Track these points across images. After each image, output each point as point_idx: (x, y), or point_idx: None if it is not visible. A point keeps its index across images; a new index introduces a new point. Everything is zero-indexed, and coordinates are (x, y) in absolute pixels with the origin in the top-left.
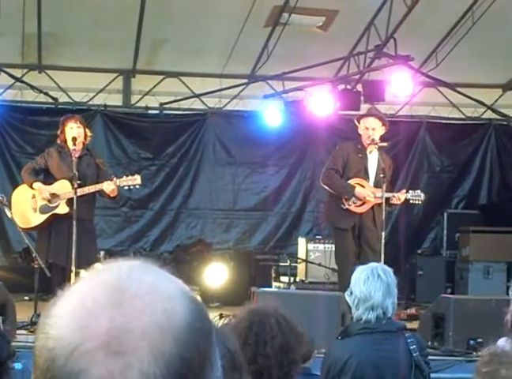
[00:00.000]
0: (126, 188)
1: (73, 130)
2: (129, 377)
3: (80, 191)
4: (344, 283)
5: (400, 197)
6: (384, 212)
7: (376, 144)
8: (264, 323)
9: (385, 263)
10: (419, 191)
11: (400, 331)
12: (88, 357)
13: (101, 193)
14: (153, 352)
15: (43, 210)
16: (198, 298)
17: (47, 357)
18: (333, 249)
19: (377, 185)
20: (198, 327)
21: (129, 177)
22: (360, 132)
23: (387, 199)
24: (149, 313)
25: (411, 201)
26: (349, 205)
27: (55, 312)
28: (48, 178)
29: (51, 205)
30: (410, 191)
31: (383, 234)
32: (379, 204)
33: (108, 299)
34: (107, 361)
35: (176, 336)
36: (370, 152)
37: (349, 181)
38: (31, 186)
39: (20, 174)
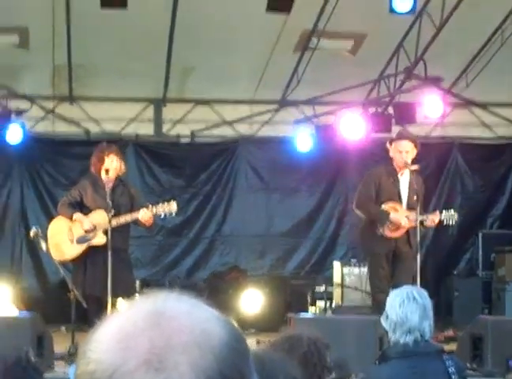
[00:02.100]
0: (161, 217)
1: (113, 163)
2: None
3: (116, 221)
4: (377, 308)
5: (434, 218)
6: (419, 234)
7: (409, 167)
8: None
9: (420, 285)
10: (452, 211)
11: (439, 353)
12: (129, 377)
13: (136, 222)
14: (194, 368)
15: (79, 241)
16: (234, 323)
17: None
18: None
19: (410, 207)
20: (236, 347)
21: (165, 203)
22: (392, 155)
23: (421, 221)
24: (188, 333)
25: (445, 222)
26: (385, 231)
27: (96, 338)
28: (83, 210)
29: (88, 236)
30: (444, 211)
31: (418, 256)
32: (414, 227)
33: (147, 322)
34: (147, 377)
35: (216, 355)
36: (402, 175)
37: (383, 206)
38: (70, 218)
39: (54, 206)
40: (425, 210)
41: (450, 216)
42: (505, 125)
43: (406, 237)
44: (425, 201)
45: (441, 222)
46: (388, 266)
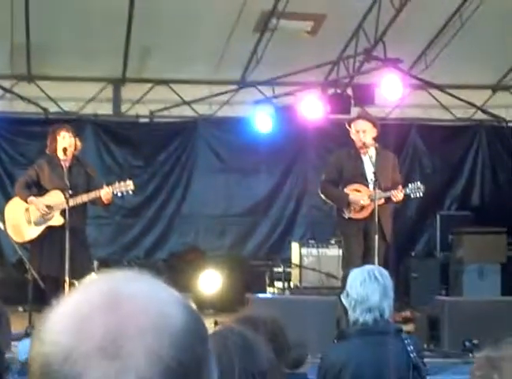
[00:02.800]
0: (119, 195)
1: (66, 140)
2: None
3: (74, 201)
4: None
5: (397, 194)
6: (377, 214)
7: (367, 147)
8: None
9: (378, 265)
10: (418, 183)
11: (397, 332)
12: (83, 360)
13: (94, 201)
14: (150, 355)
15: (37, 222)
16: (193, 305)
17: (42, 362)
18: (327, 253)
19: (376, 186)
20: (195, 331)
21: (122, 183)
22: (352, 136)
23: (388, 198)
24: (145, 315)
25: (412, 196)
26: (349, 213)
27: (50, 319)
28: (40, 189)
29: (45, 217)
30: (409, 184)
31: (376, 236)
32: (382, 206)
33: (103, 304)
34: (103, 364)
35: (173, 340)
36: (365, 155)
37: (346, 189)
38: (25, 201)
39: (12, 186)
40: (404, 182)
41: (417, 189)
42: (463, 107)
43: (376, 219)
44: (400, 171)
45: (406, 196)
46: (359, 247)
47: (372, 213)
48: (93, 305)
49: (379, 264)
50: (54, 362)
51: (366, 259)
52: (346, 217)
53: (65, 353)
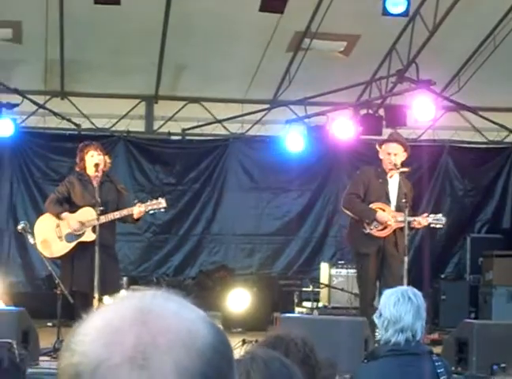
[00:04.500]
0: (151, 212)
1: (94, 158)
2: None
3: (106, 217)
4: (364, 307)
5: (421, 221)
6: (406, 237)
7: (398, 169)
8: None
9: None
10: (440, 215)
11: (428, 354)
12: (113, 371)
13: (124, 218)
14: (178, 369)
15: (68, 239)
16: (220, 325)
17: (71, 373)
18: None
19: (398, 209)
20: (221, 350)
21: (154, 201)
22: (381, 157)
23: (408, 223)
24: (174, 332)
25: (431, 225)
26: (371, 230)
27: (81, 331)
28: (71, 206)
29: (77, 233)
30: (431, 215)
31: (406, 258)
32: (401, 229)
33: (134, 318)
34: (132, 375)
35: (200, 355)
36: (391, 177)
37: (370, 206)
38: (57, 217)
39: (43, 201)
40: (414, 213)
41: (438, 220)
42: (495, 130)
43: (394, 238)
44: (414, 204)
45: (428, 225)
46: (375, 267)
47: (391, 233)
48: (124, 319)
49: (399, 285)
50: (84, 372)
51: (381, 279)
52: (365, 232)
53: (95, 364)
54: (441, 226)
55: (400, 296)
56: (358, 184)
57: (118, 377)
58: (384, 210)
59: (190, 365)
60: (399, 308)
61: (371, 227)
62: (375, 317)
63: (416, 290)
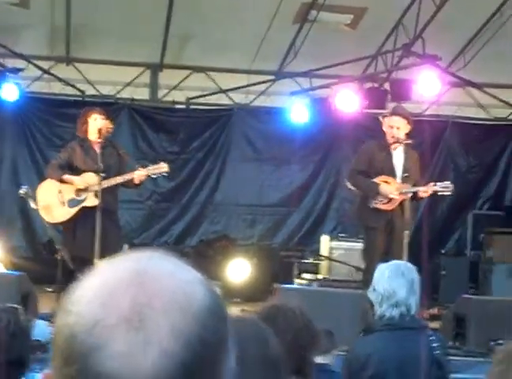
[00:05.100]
0: (153, 176)
1: (98, 122)
2: (148, 352)
3: (108, 182)
4: (368, 281)
5: (427, 189)
6: (408, 211)
7: (400, 142)
8: (277, 318)
9: (408, 262)
10: (448, 182)
11: (423, 328)
12: (108, 332)
13: (125, 184)
14: (174, 330)
15: (71, 204)
16: (216, 288)
17: (67, 334)
18: (357, 247)
19: (404, 181)
20: (216, 312)
21: (156, 165)
22: (385, 129)
23: (415, 194)
24: (170, 294)
25: (439, 193)
26: (376, 204)
27: (78, 291)
28: (72, 172)
29: (79, 198)
30: (438, 183)
31: (407, 232)
32: (406, 200)
33: (130, 279)
34: (127, 336)
35: (196, 317)
36: (395, 149)
37: (375, 180)
38: (60, 180)
39: (46, 167)
40: (425, 182)
41: (445, 187)
42: (500, 107)
43: (401, 212)
44: (421, 173)
45: (435, 193)
46: (383, 240)
47: (398, 206)
48: (120, 280)
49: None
50: (80, 332)
51: (389, 252)
52: (371, 207)
53: (90, 324)
54: (449, 193)
55: (393, 271)
56: (361, 159)
57: (113, 337)
58: (388, 183)
59: (186, 328)
60: (392, 283)
61: (376, 201)
62: (369, 292)
63: (409, 265)
